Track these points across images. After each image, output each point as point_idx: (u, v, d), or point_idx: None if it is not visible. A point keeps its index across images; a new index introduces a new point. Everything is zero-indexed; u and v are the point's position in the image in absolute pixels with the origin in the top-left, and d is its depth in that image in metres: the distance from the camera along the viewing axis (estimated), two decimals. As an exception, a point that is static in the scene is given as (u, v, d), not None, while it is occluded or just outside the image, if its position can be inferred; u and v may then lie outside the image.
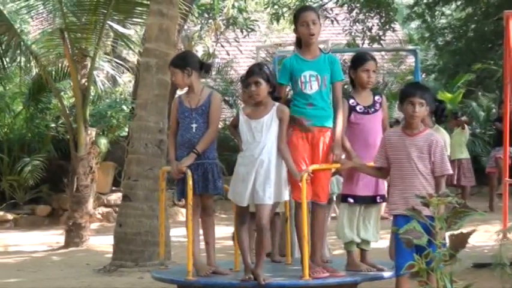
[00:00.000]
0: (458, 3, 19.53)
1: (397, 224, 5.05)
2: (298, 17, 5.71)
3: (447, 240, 4.06)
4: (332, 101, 5.66)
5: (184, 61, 5.97)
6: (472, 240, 4.05)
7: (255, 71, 5.53)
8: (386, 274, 5.78)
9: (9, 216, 15.47)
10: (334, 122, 5.62)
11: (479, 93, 19.18)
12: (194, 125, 5.85)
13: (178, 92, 12.87)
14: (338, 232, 5.91)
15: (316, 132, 5.58)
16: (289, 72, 5.66)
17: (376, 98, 5.91)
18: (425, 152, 5.29)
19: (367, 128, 5.83)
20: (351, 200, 5.81)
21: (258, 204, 5.44)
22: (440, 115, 5.64)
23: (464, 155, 14.67)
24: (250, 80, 5.51)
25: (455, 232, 3.94)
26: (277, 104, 5.55)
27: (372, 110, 5.87)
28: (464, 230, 3.96)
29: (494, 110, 16.95)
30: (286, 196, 5.57)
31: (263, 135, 5.46)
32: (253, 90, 5.49)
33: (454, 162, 13.74)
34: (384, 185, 5.89)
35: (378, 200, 5.85)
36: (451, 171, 5.44)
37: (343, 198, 5.89)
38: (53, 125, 16.58)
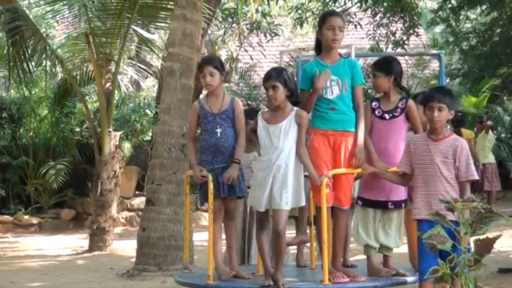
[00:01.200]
0: (484, 7, 19.39)
1: (421, 228, 5.01)
2: (326, 20, 5.67)
3: (472, 245, 4.02)
4: (353, 105, 5.64)
5: (222, 65, 6.01)
6: (497, 245, 4.01)
7: (272, 75, 5.52)
8: (410, 279, 5.74)
9: (34, 221, 15.58)
10: (356, 127, 5.60)
11: (505, 97, 19.05)
12: (219, 130, 5.84)
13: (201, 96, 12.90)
14: (354, 235, 5.90)
15: (338, 137, 5.56)
16: (310, 77, 5.64)
17: (400, 103, 5.82)
18: (450, 157, 5.25)
19: (381, 133, 5.76)
20: (360, 203, 5.78)
21: (275, 210, 5.42)
22: (457, 125, 5.56)
23: (489, 159, 14.55)
24: (268, 85, 5.51)
25: (481, 237, 3.91)
26: (296, 108, 5.54)
27: (390, 115, 5.78)
28: (490, 235, 3.93)
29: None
30: (303, 201, 5.53)
31: (281, 140, 5.45)
32: (270, 94, 5.48)
33: (478, 166, 13.65)
34: (403, 191, 5.82)
35: (390, 206, 5.76)
36: (476, 177, 5.35)
37: (356, 201, 5.87)
38: (77, 129, 16.70)
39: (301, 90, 5.70)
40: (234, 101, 5.94)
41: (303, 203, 5.54)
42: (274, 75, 5.51)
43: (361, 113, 5.61)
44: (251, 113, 6.53)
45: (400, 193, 5.77)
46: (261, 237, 5.56)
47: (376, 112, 5.79)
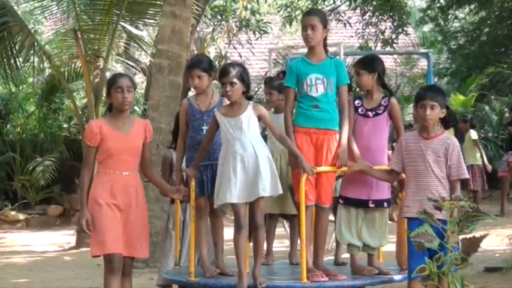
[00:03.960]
0: (472, 6, 19.45)
1: (410, 227, 5.02)
2: (302, 21, 5.74)
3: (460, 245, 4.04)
4: (338, 105, 5.64)
5: (211, 66, 6.01)
6: (484, 244, 4.03)
7: (230, 71, 5.51)
8: (397, 277, 5.76)
9: (21, 216, 15.54)
10: (340, 127, 5.60)
11: (492, 96, 19.12)
12: (205, 127, 5.85)
13: (190, 94, 12.89)
14: (336, 233, 5.91)
15: (320, 135, 5.56)
16: (296, 75, 5.64)
17: (383, 101, 5.82)
18: (442, 155, 5.27)
19: (363, 131, 5.76)
20: (341, 201, 5.79)
21: (253, 202, 5.42)
22: (447, 121, 5.56)
23: (474, 160, 14.47)
24: (225, 80, 5.50)
25: (468, 236, 3.93)
26: (251, 102, 5.57)
27: (373, 113, 5.79)
28: (477, 234, 3.95)
29: (507, 114, 16.87)
30: (280, 190, 5.49)
31: (243, 132, 5.44)
32: (228, 90, 5.49)
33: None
34: (386, 191, 5.82)
35: (370, 205, 5.74)
36: (467, 176, 5.39)
37: (338, 200, 5.87)
38: (65, 125, 16.66)
39: (286, 87, 5.71)
40: (223, 101, 5.94)
41: (281, 191, 5.52)
42: (232, 71, 5.51)
43: (345, 113, 5.62)
44: None
45: (382, 192, 5.77)
46: (239, 239, 5.49)
47: (359, 110, 5.80)
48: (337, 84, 5.62)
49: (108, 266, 5.38)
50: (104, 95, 14.90)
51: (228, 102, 5.88)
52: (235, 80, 5.48)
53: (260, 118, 5.53)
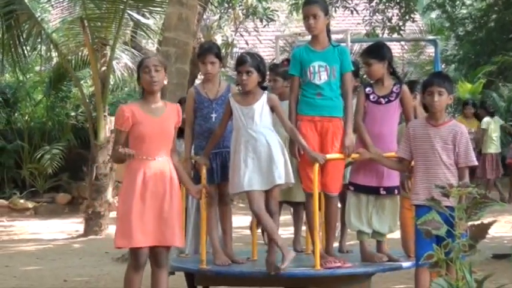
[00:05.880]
0: (479, -7, 19.39)
1: (418, 214, 5.01)
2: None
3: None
4: (342, 93, 5.63)
5: (220, 53, 6.03)
6: (492, 231, 4.03)
7: (247, 60, 5.50)
8: (405, 264, 5.77)
9: (29, 205, 15.58)
10: (345, 115, 5.59)
11: (500, 83, 19.05)
12: (214, 115, 5.85)
13: (197, 82, 12.87)
14: (346, 220, 5.91)
15: (325, 122, 5.56)
16: (299, 62, 5.64)
17: (395, 88, 5.82)
18: (450, 142, 5.25)
19: (376, 118, 5.75)
20: (351, 188, 5.78)
21: (267, 190, 5.41)
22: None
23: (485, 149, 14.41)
24: (242, 69, 5.49)
25: (476, 223, 3.92)
26: (266, 92, 5.57)
27: (386, 100, 5.78)
28: (485, 221, 3.95)
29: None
30: (292, 178, 5.49)
31: (255, 121, 5.43)
32: (244, 79, 5.47)
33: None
34: (396, 177, 5.81)
35: (381, 192, 5.76)
36: (475, 162, 5.36)
37: (348, 186, 5.87)
38: (72, 113, 16.68)
39: (291, 75, 5.71)
40: (231, 87, 5.94)
41: (293, 180, 5.52)
42: (249, 60, 5.50)
43: (349, 100, 5.61)
44: None
45: (392, 179, 5.77)
46: (266, 220, 5.41)
47: (371, 97, 5.79)
48: (341, 71, 5.61)
49: (133, 260, 5.22)
50: (114, 82, 15.02)
51: (234, 88, 5.88)
52: (251, 69, 5.47)
53: (273, 109, 5.52)
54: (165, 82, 5.34)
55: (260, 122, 5.45)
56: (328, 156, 5.50)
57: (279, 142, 5.49)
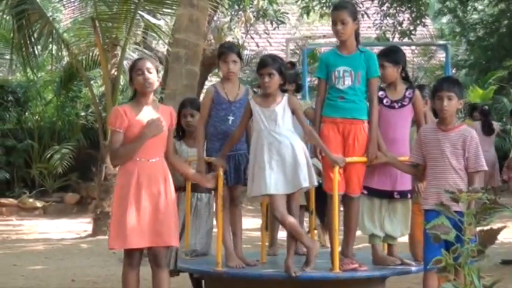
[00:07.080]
0: (491, -2, 19.36)
1: (428, 219, 5.00)
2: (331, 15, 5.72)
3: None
4: (367, 97, 5.62)
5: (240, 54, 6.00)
6: (501, 237, 4.01)
7: (269, 63, 5.48)
8: (414, 268, 5.75)
9: (38, 204, 15.63)
10: (370, 120, 5.58)
11: (511, 89, 19.01)
12: (231, 118, 5.76)
13: (207, 83, 12.88)
14: (359, 224, 5.89)
15: (347, 124, 5.56)
16: (326, 66, 5.64)
17: (407, 92, 5.82)
18: (460, 147, 5.23)
19: (389, 123, 5.74)
20: (365, 192, 5.76)
21: (290, 193, 5.40)
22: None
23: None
24: (264, 71, 5.46)
25: (485, 228, 3.91)
26: (286, 94, 5.55)
27: (399, 104, 5.78)
28: (494, 226, 3.93)
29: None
30: (315, 181, 5.49)
31: (277, 124, 5.41)
32: (266, 81, 5.45)
33: None
34: (409, 181, 5.78)
35: (396, 196, 5.75)
36: (485, 167, 5.32)
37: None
38: (82, 113, 16.74)
39: (318, 78, 5.74)
40: (249, 91, 5.91)
41: (316, 183, 5.51)
42: (271, 62, 5.48)
43: (374, 105, 5.60)
44: (198, 105, 6.33)
45: (406, 183, 5.77)
46: (289, 222, 5.39)
47: (384, 101, 5.78)
48: (367, 76, 5.60)
49: (128, 260, 5.30)
50: (124, 83, 15.05)
51: (251, 92, 5.86)
52: (273, 71, 5.44)
53: (293, 112, 5.51)
54: (157, 84, 5.36)
55: (283, 125, 5.43)
56: (348, 159, 5.50)
57: (302, 145, 5.48)
